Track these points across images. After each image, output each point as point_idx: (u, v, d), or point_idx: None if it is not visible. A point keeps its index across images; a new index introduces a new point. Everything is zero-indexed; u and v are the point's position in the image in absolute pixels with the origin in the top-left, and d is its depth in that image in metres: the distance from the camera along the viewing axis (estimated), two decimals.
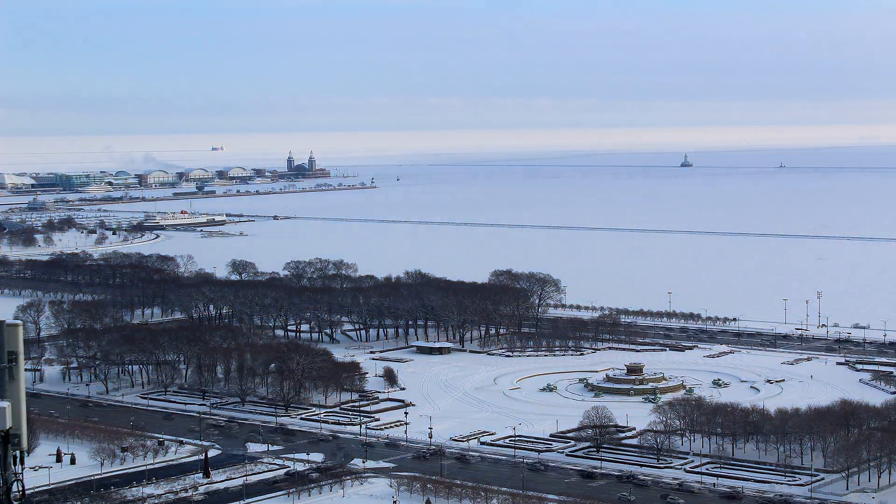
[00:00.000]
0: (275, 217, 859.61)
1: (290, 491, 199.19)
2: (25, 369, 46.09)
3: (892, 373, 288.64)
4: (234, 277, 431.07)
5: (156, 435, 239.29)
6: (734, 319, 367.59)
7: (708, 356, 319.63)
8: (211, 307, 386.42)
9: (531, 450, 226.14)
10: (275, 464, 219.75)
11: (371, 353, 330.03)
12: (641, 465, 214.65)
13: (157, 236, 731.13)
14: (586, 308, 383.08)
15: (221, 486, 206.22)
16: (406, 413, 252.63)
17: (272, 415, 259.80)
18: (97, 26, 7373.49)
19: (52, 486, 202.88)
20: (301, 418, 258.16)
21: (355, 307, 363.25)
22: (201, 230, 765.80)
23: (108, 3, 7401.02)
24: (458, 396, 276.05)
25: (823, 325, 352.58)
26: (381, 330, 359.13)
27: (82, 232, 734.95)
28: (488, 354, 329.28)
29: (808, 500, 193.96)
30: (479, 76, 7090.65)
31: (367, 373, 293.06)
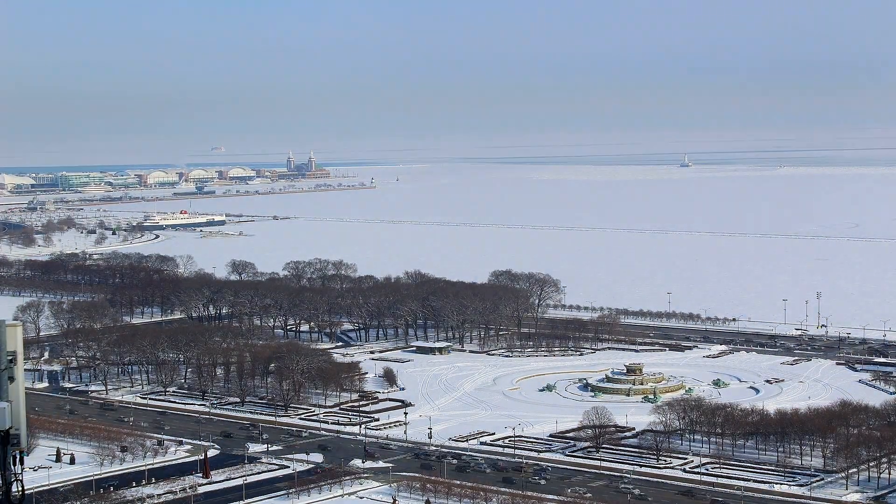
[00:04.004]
0: (274, 217, 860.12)
1: (290, 491, 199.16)
2: (25, 369, 46.22)
3: (891, 373, 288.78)
4: (234, 277, 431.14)
5: (155, 435, 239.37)
6: (734, 319, 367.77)
7: (708, 356, 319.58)
8: (211, 307, 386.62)
9: (531, 450, 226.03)
10: (274, 464, 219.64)
11: (371, 353, 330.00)
12: (641, 466, 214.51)
13: (157, 236, 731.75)
14: (586, 308, 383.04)
15: (221, 486, 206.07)
16: (406, 413, 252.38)
17: (272, 415, 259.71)
18: (96, 25, 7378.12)
19: (51, 486, 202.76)
20: (300, 418, 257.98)
21: (355, 307, 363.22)
22: (201, 230, 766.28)
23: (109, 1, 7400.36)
24: (458, 396, 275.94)
25: (823, 325, 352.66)
26: (381, 330, 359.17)
27: (82, 232, 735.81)
28: (488, 354, 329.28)
29: (808, 500, 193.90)
30: (475, 78, 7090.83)
31: (366, 373, 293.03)
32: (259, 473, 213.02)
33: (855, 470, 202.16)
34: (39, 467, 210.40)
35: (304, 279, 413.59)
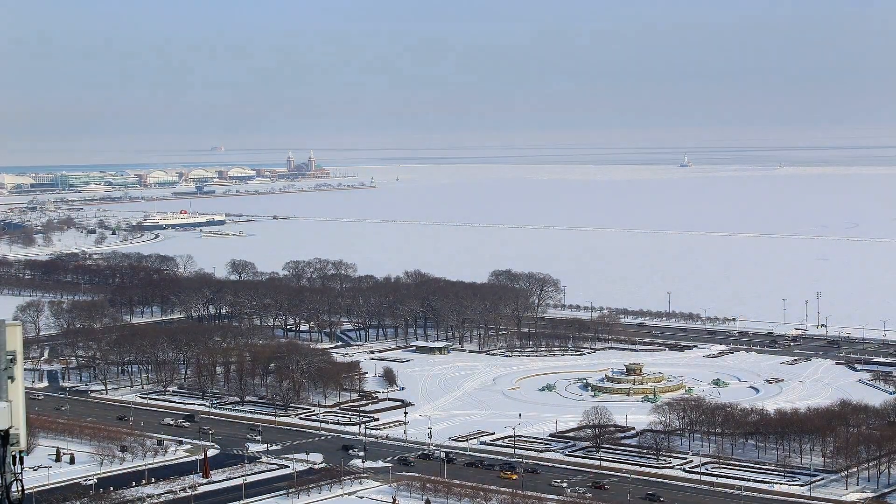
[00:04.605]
0: (274, 217, 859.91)
1: (290, 491, 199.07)
2: (25, 369, 46.21)
3: (891, 373, 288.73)
4: (234, 277, 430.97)
5: (155, 434, 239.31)
6: (734, 319, 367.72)
7: (708, 356, 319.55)
8: (211, 307, 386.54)
9: (531, 450, 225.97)
10: (274, 463, 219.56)
11: (371, 352, 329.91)
12: (641, 466, 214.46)
13: (157, 236, 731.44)
14: (586, 308, 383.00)
15: (221, 486, 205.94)
16: (405, 413, 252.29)
17: (272, 414, 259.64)
18: (96, 24, 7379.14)
19: (51, 486, 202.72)
20: (300, 418, 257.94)
21: (355, 307, 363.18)
22: (201, 230, 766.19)
23: (109, 1, 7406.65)
24: (458, 396, 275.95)
25: (823, 325, 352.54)
26: (381, 330, 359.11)
27: (82, 232, 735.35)
28: (488, 354, 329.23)
29: (808, 500, 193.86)
30: (474, 77, 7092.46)
31: (366, 373, 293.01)
32: (259, 473, 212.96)
33: (855, 469, 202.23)
34: (39, 467, 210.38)
35: (304, 279, 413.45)
